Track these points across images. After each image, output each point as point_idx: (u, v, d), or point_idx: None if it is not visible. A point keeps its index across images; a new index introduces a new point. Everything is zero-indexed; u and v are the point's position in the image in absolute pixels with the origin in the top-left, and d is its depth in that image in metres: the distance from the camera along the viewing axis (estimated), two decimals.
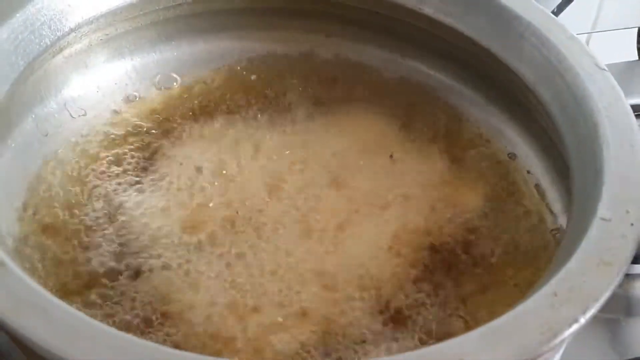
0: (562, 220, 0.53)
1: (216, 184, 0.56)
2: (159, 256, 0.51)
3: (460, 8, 0.58)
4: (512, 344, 0.38)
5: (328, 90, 0.63)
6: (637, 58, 0.82)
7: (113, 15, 0.59)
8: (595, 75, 0.52)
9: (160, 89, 0.63)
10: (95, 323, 0.38)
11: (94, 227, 0.53)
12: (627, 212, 0.44)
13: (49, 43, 0.55)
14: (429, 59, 0.62)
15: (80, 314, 0.38)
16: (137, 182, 0.56)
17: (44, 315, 0.37)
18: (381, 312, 0.49)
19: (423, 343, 0.46)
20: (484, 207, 0.56)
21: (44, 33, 0.55)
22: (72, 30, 0.56)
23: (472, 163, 0.58)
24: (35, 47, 0.54)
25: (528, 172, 0.57)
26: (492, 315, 0.40)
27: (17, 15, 0.53)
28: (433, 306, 0.49)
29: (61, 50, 0.57)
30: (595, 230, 0.43)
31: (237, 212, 0.54)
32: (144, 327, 0.47)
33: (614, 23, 0.88)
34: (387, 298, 0.50)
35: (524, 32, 0.55)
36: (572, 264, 0.41)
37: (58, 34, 0.56)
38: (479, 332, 0.39)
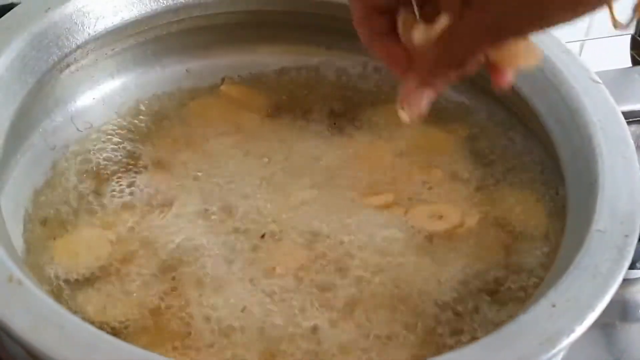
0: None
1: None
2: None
3: None
4: (512, 355, 0.39)
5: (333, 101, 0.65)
6: (630, 65, 0.83)
7: (119, 31, 0.60)
8: (590, 88, 0.53)
9: (165, 101, 0.64)
10: (113, 339, 0.39)
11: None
12: (622, 223, 0.45)
13: (56, 59, 0.56)
14: None
15: (98, 331, 0.39)
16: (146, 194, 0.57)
17: (61, 332, 0.39)
18: None
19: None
20: None
21: (52, 50, 0.56)
22: (78, 47, 0.58)
23: None
24: (43, 65, 0.55)
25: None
26: None
27: (25, 34, 0.54)
28: None
29: (68, 66, 0.59)
30: (590, 242, 0.44)
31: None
32: None
33: (606, 30, 0.89)
34: None
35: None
36: (569, 275, 0.43)
37: (65, 50, 0.57)
38: (480, 344, 0.40)
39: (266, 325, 0.48)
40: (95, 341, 0.39)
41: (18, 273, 0.41)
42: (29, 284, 0.41)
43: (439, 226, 0.54)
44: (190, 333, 0.48)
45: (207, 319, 0.49)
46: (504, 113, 0.60)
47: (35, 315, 0.39)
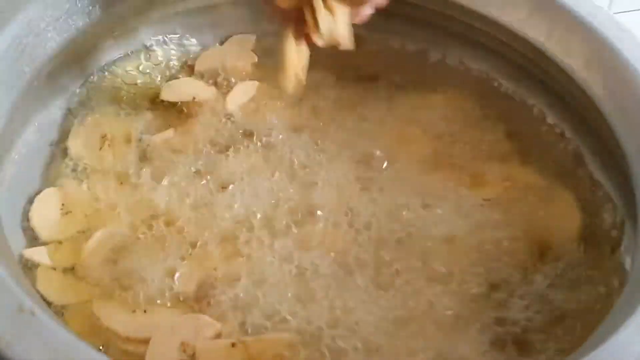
0: None
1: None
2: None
3: None
4: None
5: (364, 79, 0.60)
6: None
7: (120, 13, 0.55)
8: None
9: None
10: None
11: None
12: None
13: (55, 46, 0.50)
14: (467, 53, 0.58)
15: None
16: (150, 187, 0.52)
17: None
18: None
19: None
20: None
21: (50, 36, 0.50)
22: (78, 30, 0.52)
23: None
24: (40, 52, 0.50)
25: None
26: None
27: (20, 17, 0.49)
28: None
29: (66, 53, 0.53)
30: None
31: None
32: None
33: (631, 3, 0.85)
34: None
35: (571, 25, 0.51)
36: None
37: (65, 35, 0.51)
38: None
39: None
40: None
41: (29, 302, 0.36)
42: (42, 314, 0.35)
43: None
44: None
45: None
46: (558, 103, 0.55)
47: (52, 349, 0.34)
